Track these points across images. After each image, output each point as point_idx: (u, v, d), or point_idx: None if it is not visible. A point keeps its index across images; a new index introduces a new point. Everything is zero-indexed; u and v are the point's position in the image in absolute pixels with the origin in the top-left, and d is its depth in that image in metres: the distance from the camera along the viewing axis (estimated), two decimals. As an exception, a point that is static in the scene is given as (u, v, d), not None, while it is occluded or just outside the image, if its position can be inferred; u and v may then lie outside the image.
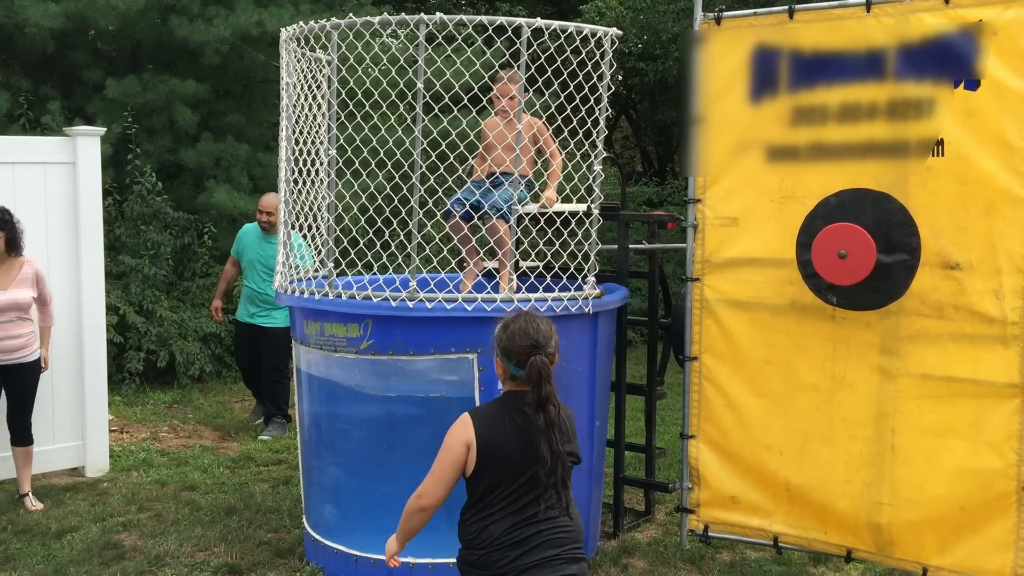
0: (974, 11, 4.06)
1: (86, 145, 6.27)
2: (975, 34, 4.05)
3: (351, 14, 4.69)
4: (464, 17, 4.34)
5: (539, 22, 4.32)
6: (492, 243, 4.83)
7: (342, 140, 4.58)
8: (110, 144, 8.83)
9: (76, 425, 6.32)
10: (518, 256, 4.90)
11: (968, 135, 4.09)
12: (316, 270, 5.09)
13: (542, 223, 4.72)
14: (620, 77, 15.19)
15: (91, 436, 6.35)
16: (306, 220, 4.90)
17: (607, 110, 4.66)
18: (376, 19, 4.41)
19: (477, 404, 4.29)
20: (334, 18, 4.50)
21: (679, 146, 17.50)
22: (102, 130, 6.51)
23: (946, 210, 4.17)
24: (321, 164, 4.91)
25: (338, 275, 4.66)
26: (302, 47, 4.92)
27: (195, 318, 9.24)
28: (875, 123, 4.31)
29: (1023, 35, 3.96)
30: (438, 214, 5.01)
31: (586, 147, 4.69)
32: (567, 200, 5.15)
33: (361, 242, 4.70)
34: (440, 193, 4.72)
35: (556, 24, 4.39)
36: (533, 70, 4.44)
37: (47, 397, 6.05)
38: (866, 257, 4.25)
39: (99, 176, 6.35)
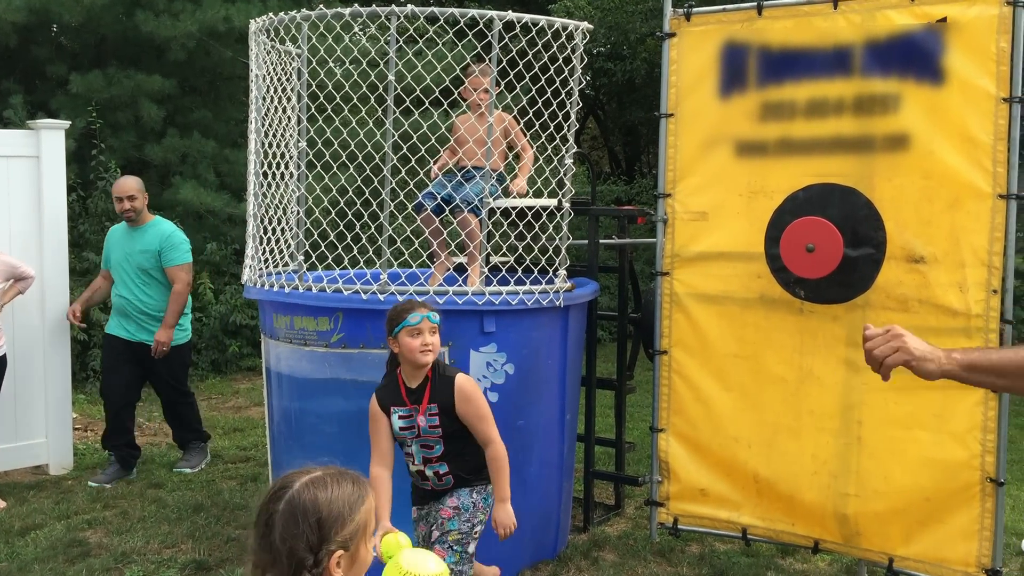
0: (939, 8, 4.13)
1: (50, 138, 6.18)
2: (940, 31, 4.12)
3: (321, 6, 4.66)
4: (435, 9, 4.34)
5: (510, 15, 4.33)
6: (463, 236, 4.83)
7: (312, 132, 4.56)
8: (74, 139, 8.72)
9: (40, 423, 6.22)
10: (489, 250, 4.90)
11: (933, 130, 4.15)
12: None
13: (513, 216, 4.73)
14: (588, 78, 15.24)
15: (55, 434, 6.26)
16: (275, 213, 4.87)
17: (578, 104, 4.67)
18: (347, 11, 4.40)
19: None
20: (304, 9, 4.48)
21: (647, 146, 17.60)
22: (66, 123, 6.43)
23: (911, 204, 4.22)
24: (291, 157, 4.89)
25: (308, 269, 4.64)
26: (272, 39, 4.89)
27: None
28: (842, 118, 4.36)
29: (987, 32, 4.03)
30: (409, 207, 5.00)
31: (557, 141, 4.71)
32: (538, 195, 5.17)
33: (331, 235, 4.68)
34: (412, 186, 4.71)
35: (527, 17, 4.41)
36: (505, 63, 4.45)
37: (10, 394, 5.96)
38: (833, 251, 4.30)
39: (63, 170, 6.27)
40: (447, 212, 4.89)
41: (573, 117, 4.66)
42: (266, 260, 4.87)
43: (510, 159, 5.10)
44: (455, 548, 3.55)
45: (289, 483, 1.89)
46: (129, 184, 6.12)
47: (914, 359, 2.18)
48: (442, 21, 4.53)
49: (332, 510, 1.85)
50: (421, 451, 3.59)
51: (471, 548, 3.58)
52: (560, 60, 4.62)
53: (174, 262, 6.06)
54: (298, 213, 4.58)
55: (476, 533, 3.58)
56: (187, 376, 6.52)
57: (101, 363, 6.43)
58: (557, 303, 4.54)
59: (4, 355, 5.62)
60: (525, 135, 4.96)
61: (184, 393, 6.38)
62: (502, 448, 3.54)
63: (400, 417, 3.59)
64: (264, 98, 4.84)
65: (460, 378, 3.58)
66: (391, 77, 4.30)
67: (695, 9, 4.72)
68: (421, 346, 3.49)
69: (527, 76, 4.49)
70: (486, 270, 4.87)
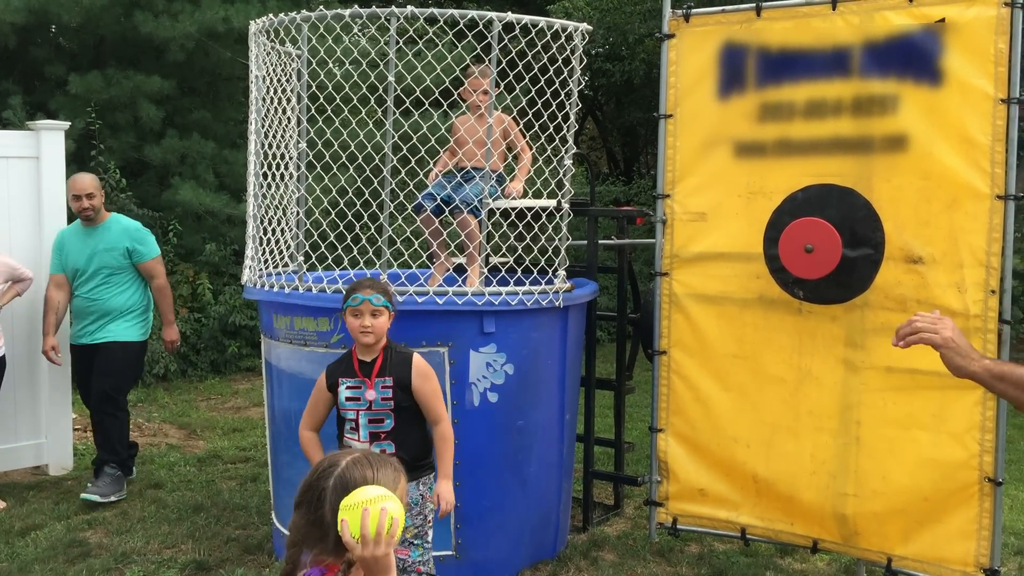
0: (937, 9, 4.13)
1: (50, 139, 6.19)
2: (938, 32, 4.13)
3: (321, 7, 4.67)
4: (435, 11, 4.35)
5: (510, 16, 4.34)
6: (463, 237, 4.84)
7: (312, 133, 4.56)
8: (73, 140, 8.72)
9: (39, 423, 6.23)
10: (489, 250, 4.91)
11: (931, 131, 4.16)
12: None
13: (512, 217, 4.74)
14: (587, 78, 15.26)
15: (54, 434, 6.27)
16: (275, 214, 4.88)
17: (577, 104, 4.68)
18: (347, 12, 4.41)
19: (448, 397, 4.29)
20: (304, 11, 4.49)
21: (646, 146, 17.61)
22: (66, 124, 6.43)
23: (910, 205, 4.23)
24: (291, 158, 4.89)
25: (308, 269, 4.65)
26: (271, 40, 4.90)
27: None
28: (840, 119, 4.37)
29: (985, 33, 4.03)
30: (409, 207, 5.01)
31: (556, 141, 4.72)
32: (538, 196, 5.18)
33: (331, 236, 4.69)
34: (411, 187, 4.72)
35: (527, 19, 4.42)
36: (504, 64, 4.46)
37: (9, 394, 5.96)
38: (832, 252, 4.30)
39: (63, 171, 6.27)
40: (447, 213, 4.90)
41: (572, 118, 4.68)
42: (266, 261, 4.88)
43: (509, 160, 5.12)
44: (415, 543, 3.60)
45: (336, 462, 2.06)
46: (87, 181, 5.80)
47: (944, 346, 2.21)
48: (442, 22, 4.54)
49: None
50: (369, 426, 3.58)
51: (429, 537, 3.66)
52: (559, 61, 4.63)
53: (148, 256, 5.86)
54: (298, 214, 4.58)
55: (430, 522, 3.68)
56: (130, 384, 6.06)
57: (73, 375, 6.14)
58: (557, 303, 4.55)
59: (3, 356, 5.62)
60: (524, 136, 4.97)
61: (116, 401, 5.74)
62: (451, 427, 3.65)
63: (348, 387, 3.60)
64: (264, 99, 4.84)
65: (417, 357, 3.66)
66: (391, 78, 4.31)
67: (694, 10, 4.73)
68: (360, 327, 3.53)
69: (526, 77, 4.50)
70: (486, 271, 4.88)
